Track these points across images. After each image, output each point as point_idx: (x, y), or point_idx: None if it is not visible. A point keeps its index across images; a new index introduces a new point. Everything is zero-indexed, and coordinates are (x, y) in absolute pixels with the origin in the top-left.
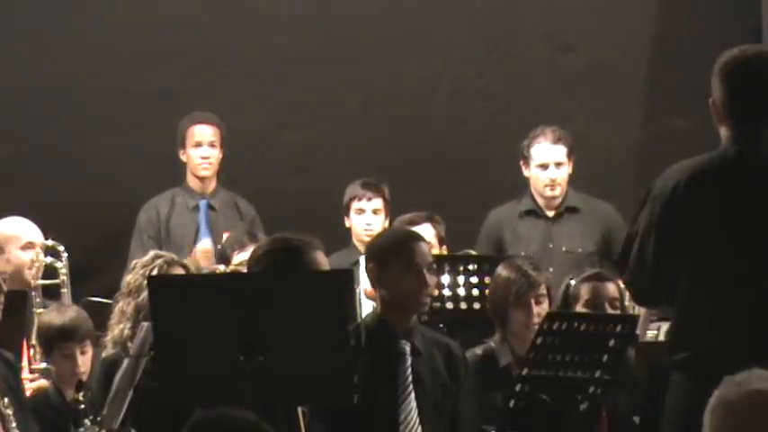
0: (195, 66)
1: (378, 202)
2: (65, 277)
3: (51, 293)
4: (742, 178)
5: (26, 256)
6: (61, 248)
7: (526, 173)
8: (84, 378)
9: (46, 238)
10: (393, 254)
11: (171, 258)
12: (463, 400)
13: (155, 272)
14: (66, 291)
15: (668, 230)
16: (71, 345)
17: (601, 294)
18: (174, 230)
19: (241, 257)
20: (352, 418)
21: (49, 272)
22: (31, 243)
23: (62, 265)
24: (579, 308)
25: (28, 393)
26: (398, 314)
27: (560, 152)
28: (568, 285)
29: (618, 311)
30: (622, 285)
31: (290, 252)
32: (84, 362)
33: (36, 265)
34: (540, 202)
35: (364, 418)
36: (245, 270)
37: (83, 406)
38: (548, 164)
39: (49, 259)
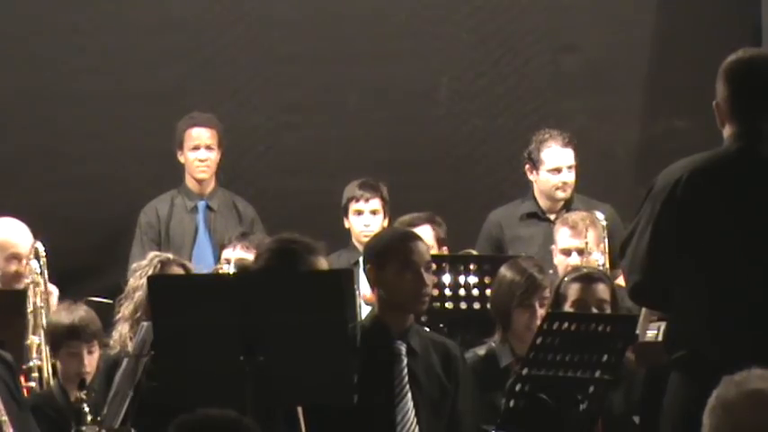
0: (195, 66)
1: (376, 203)
2: (39, 277)
3: None
4: (744, 175)
5: (10, 268)
6: (41, 249)
7: (532, 176)
8: (89, 378)
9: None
10: (390, 254)
11: (166, 258)
12: (462, 399)
13: (150, 272)
14: (39, 290)
15: (668, 226)
16: (78, 343)
17: (588, 295)
18: (174, 232)
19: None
20: (349, 418)
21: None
22: (16, 254)
23: (38, 265)
24: (567, 308)
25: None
26: (396, 314)
27: (571, 155)
28: (560, 283)
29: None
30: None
31: (293, 254)
32: (91, 361)
33: (27, 280)
34: (546, 204)
35: (361, 418)
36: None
37: (85, 405)
38: (561, 167)
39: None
